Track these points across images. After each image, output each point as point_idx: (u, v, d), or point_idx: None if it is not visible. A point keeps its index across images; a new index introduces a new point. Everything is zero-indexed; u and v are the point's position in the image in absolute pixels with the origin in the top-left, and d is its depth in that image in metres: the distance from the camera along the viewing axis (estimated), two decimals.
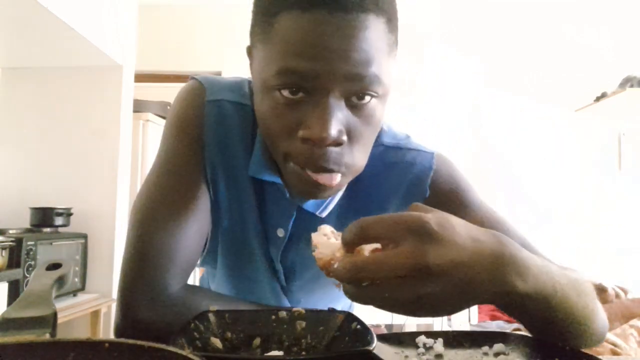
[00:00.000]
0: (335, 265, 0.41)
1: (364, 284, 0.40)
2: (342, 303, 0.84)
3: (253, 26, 0.57)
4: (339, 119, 0.53)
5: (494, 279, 0.41)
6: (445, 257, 0.38)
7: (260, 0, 0.56)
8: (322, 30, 0.50)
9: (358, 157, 0.57)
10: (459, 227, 0.41)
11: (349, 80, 0.51)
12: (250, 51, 0.60)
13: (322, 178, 0.55)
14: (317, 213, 0.67)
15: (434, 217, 0.40)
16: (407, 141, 0.72)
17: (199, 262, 0.74)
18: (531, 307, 0.45)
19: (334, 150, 0.54)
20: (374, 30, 0.52)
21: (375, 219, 0.40)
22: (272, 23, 0.53)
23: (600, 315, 0.55)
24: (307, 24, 0.50)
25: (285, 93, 0.53)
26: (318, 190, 0.57)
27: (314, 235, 0.45)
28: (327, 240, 0.44)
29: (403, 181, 0.69)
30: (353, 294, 0.41)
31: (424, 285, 0.38)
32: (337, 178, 0.55)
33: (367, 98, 0.54)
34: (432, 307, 0.40)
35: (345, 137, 0.54)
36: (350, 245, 0.42)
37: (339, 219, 0.69)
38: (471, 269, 0.39)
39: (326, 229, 0.46)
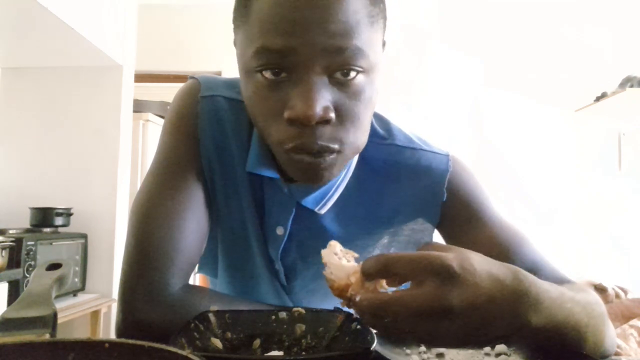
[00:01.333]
0: (357, 299, 0.41)
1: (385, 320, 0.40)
2: None
3: (234, 12, 0.56)
4: (323, 96, 0.51)
5: (509, 317, 0.42)
6: (466, 300, 0.39)
7: None
8: (296, 4, 0.49)
9: (353, 135, 0.55)
10: (479, 267, 0.41)
11: (328, 53, 0.50)
12: (235, 42, 0.59)
13: (316, 160, 0.53)
14: (315, 209, 0.66)
15: (456, 259, 0.41)
16: (421, 142, 0.70)
17: (196, 268, 0.74)
18: (542, 337, 0.46)
19: (323, 128, 0.52)
20: (352, 1, 0.50)
21: (398, 257, 0.41)
22: (248, 5, 0.52)
23: (609, 334, 0.55)
24: (281, 1, 0.49)
25: (267, 74, 0.52)
26: (316, 174, 0.55)
27: (324, 253, 0.45)
28: (339, 262, 0.44)
29: (419, 184, 0.68)
30: (371, 323, 0.41)
31: (444, 324, 0.39)
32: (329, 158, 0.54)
33: (353, 74, 0.52)
34: (449, 342, 0.41)
35: (333, 114, 0.52)
36: (369, 276, 0.42)
37: (341, 217, 0.68)
38: (490, 310, 0.40)
39: (336, 247, 0.46)
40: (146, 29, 3.10)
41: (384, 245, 0.71)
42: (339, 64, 0.51)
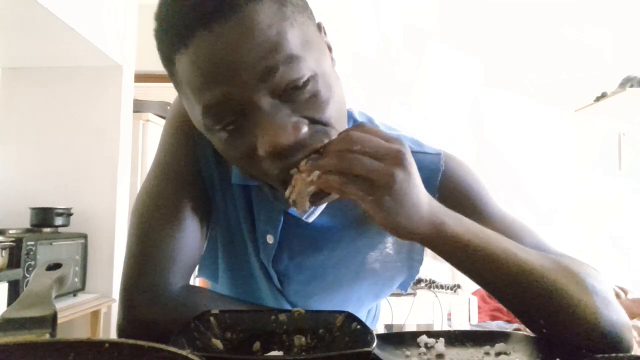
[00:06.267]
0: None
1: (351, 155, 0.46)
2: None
3: (169, 76, 0.55)
4: (286, 115, 0.49)
5: (429, 207, 0.51)
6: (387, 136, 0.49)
7: (159, 52, 0.53)
8: (209, 51, 0.47)
9: (333, 133, 0.53)
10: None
11: (264, 79, 0.48)
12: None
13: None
14: (303, 218, 0.65)
15: None
16: (412, 144, 0.69)
17: (196, 271, 0.74)
18: (469, 250, 0.51)
19: (306, 136, 0.50)
20: (258, 17, 0.47)
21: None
22: (174, 71, 0.51)
23: (582, 299, 0.53)
24: (196, 55, 0.47)
25: (226, 126, 0.51)
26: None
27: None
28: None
29: None
30: (342, 163, 0.46)
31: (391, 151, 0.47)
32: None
33: (300, 83, 0.49)
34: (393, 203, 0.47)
35: (305, 127, 0.50)
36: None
37: (332, 222, 0.68)
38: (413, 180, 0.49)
39: None
40: (146, 29, 3.08)
41: (375, 246, 0.71)
42: (280, 81, 0.48)
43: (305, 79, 0.50)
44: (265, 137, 0.49)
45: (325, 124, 0.52)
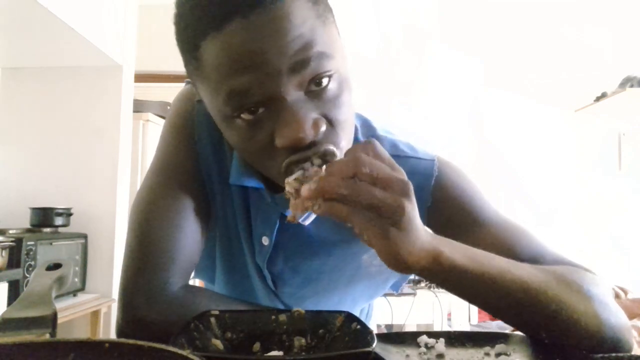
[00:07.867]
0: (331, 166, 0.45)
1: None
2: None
3: (185, 64, 0.55)
4: (308, 112, 0.50)
5: (427, 237, 0.48)
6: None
7: (180, 38, 0.54)
8: (244, 38, 0.47)
9: (344, 138, 0.54)
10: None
11: (295, 71, 0.48)
12: (194, 86, 0.58)
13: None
14: (300, 221, 0.66)
15: None
16: (407, 149, 0.69)
17: (194, 272, 0.73)
18: (467, 276, 0.49)
19: (320, 136, 0.51)
20: (296, 11, 0.49)
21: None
22: (198, 57, 0.51)
23: (582, 307, 0.53)
24: (228, 39, 0.48)
25: (245, 116, 0.51)
26: None
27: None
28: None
29: None
30: (344, 193, 0.43)
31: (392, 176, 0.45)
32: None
33: (325, 81, 0.51)
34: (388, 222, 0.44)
35: (324, 126, 0.51)
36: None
37: (327, 225, 0.67)
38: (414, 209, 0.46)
39: None
40: (146, 29, 3.09)
41: (371, 249, 0.70)
42: (309, 75, 0.49)
43: (331, 75, 0.51)
44: (286, 129, 0.49)
45: (338, 127, 0.53)
